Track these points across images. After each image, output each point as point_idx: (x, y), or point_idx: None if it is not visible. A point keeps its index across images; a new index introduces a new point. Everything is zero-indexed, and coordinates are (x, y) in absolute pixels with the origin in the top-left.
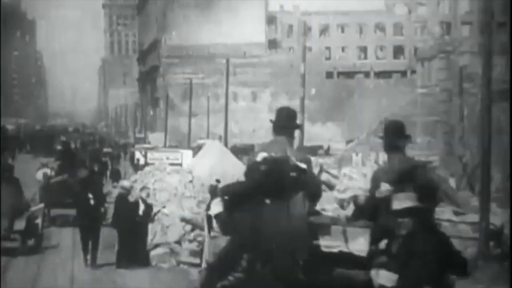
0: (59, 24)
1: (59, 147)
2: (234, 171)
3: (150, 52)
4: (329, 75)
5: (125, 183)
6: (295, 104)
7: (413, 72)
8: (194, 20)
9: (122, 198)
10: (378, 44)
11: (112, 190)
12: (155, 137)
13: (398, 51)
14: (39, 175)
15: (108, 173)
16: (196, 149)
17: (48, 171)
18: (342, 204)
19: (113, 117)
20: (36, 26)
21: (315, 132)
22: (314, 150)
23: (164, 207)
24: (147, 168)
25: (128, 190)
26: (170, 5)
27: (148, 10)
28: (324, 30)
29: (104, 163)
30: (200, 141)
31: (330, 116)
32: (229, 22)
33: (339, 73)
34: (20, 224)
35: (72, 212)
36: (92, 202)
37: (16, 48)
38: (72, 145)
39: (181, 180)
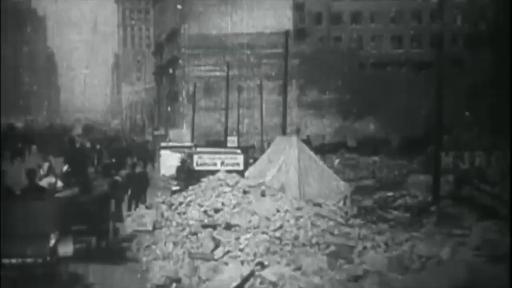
0: (71, 20)
1: (68, 147)
2: (330, 187)
3: (168, 43)
4: (362, 66)
5: None
6: (325, 98)
7: (454, 63)
8: (216, 7)
9: None
10: (414, 32)
11: (144, 213)
12: (176, 134)
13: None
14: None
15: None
16: (251, 150)
17: (53, 180)
18: None
19: (127, 114)
20: (47, 22)
21: (358, 127)
22: None
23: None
24: (203, 183)
25: None
26: None
27: None
28: (356, 18)
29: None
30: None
31: (369, 110)
32: (253, 9)
33: (373, 64)
34: None
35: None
36: (111, 230)
37: (27, 44)
38: (87, 144)
39: (272, 207)
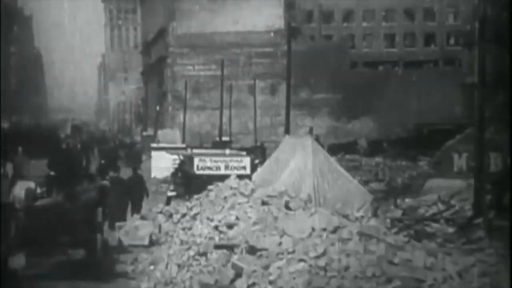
0: (58, 20)
1: (53, 148)
2: (349, 195)
3: (156, 42)
4: (354, 65)
5: None
6: (317, 98)
7: (448, 61)
8: (206, 5)
9: None
10: (407, 30)
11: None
12: (165, 135)
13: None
14: (18, 191)
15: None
16: (258, 151)
17: (32, 185)
18: None
19: (115, 115)
20: (34, 22)
21: (349, 128)
22: None
23: None
24: (212, 191)
25: None
26: None
27: None
28: (347, 16)
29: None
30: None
31: (363, 110)
32: (243, 7)
33: (365, 63)
34: None
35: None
36: (100, 242)
37: (13, 44)
38: (75, 145)
39: (305, 225)
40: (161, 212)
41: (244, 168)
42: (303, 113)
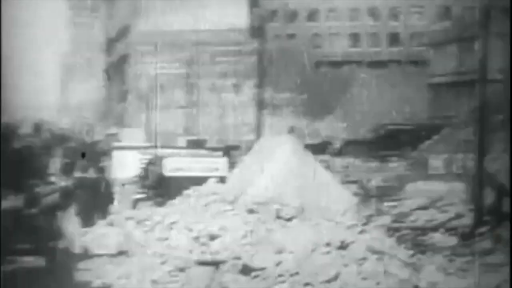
0: (19, 16)
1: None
2: (333, 198)
3: (119, 39)
4: (319, 64)
5: None
6: (283, 97)
7: (413, 61)
8: (169, 3)
9: None
10: (372, 30)
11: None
12: (129, 134)
13: (393, 38)
14: None
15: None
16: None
17: None
18: None
19: (77, 113)
20: None
21: (315, 128)
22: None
23: None
24: (191, 197)
25: None
26: None
27: None
28: (312, 15)
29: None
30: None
31: (327, 110)
32: (207, 5)
33: (330, 63)
34: None
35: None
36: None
37: None
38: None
39: (306, 239)
40: (130, 218)
41: (219, 169)
42: (267, 113)
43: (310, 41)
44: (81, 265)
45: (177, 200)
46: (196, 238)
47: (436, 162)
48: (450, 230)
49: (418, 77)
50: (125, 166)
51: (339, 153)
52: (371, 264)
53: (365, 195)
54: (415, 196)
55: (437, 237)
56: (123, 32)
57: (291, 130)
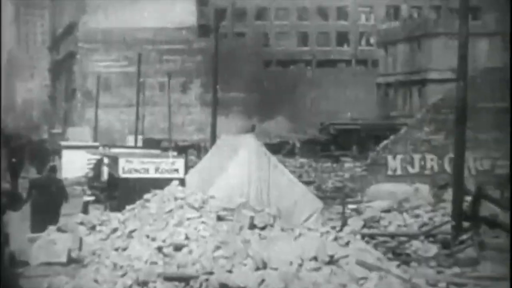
0: None
1: None
2: (297, 202)
3: (65, 37)
4: (268, 64)
5: None
6: (229, 97)
7: (360, 61)
8: (117, 0)
9: None
10: (321, 29)
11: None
12: (75, 133)
13: (342, 37)
14: None
15: None
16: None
17: None
18: None
19: (22, 112)
20: None
21: (264, 127)
22: None
23: None
24: (152, 202)
25: None
26: None
27: None
28: (261, 14)
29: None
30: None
31: (277, 110)
32: (155, 3)
33: (279, 62)
34: None
35: None
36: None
37: None
38: None
39: (290, 252)
40: (81, 223)
41: (177, 171)
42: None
43: (259, 40)
44: (28, 273)
45: (135, 205)
46: (159, 249)
47: (394, 163)
48: (429, 237)
49: (367, 77)
50: (74, 165)
51: (291, 153)
52: (372, 284)
53: (324, 197)
54: (378, 198)
55: (416, 245)
56: (70, 29)
57: (253, 129)
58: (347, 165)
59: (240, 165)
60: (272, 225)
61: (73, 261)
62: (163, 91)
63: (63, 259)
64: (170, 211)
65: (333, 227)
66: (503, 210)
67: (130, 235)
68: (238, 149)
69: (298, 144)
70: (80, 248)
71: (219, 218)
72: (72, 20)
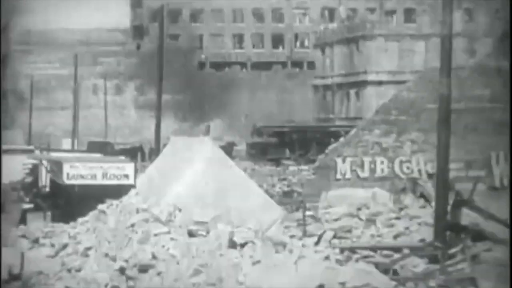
0: None
1: None
2: (257, 210)
3: None
4: (202, 66)
5: None
6: (165, 99)
7: (295, 63)
8: (50, 1)
9: None
10: (256, 31)
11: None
12: (8, 136)
13: (277, 39)
14: None
15: None
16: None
17: None
18: None
19: None
20: None
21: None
22: None
23: None
24: (109, 215)
25: None
26: None
27: None
28: (196, 16)
29: None
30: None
31: (211, 112)
32: (89, 4)
33: (213, 64)
34: None
35: None
36: None
37: None
38: None
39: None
40: (24, 236)
41: (126, 176)
42: (151, 115)
43: (193, 41)
44: None
45: (88, 217)
46: (121, 270)
47: (343, 166)
48: (414, 251)
49: (303, 79)
50: (9, 170)
51: (230, 155)
52: None
53: (278, 203)
54: (336, 204)
55: (402, 260)
56: (1, 30)
57: (207, 131)
58: (291, 168)
59: (197, 170)
60: (253, 242)
61: (15, 279)
62: (97, 93)
63: (5, 276)
64: (133, 225)
65: (292, 236)
66: (486, 219)
67: (85, 253)
68: (194, 153)
69: (237, 147)
70: (22, 265)
71: (191, 234)
72: (3, 21)
